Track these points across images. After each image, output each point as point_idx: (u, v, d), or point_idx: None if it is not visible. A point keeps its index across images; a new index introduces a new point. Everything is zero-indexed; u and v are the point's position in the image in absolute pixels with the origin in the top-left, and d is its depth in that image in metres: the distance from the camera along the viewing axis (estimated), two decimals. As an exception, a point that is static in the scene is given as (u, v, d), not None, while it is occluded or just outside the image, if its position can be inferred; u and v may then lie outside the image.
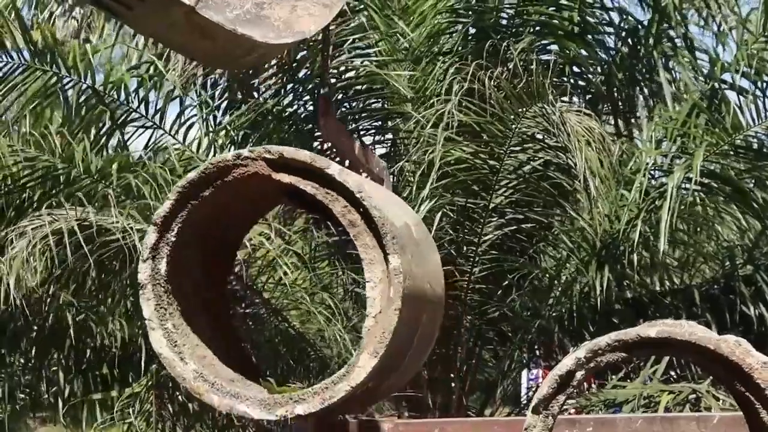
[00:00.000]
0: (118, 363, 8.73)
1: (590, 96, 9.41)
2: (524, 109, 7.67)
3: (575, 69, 9.35)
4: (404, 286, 3.00)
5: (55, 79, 8.77)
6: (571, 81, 9.18)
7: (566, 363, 3.13)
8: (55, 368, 8.96)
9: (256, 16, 3.51)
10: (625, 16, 9.32)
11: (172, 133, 9.15)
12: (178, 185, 3.21)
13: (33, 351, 8.88)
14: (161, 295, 3.23)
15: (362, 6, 8.55)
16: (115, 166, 8.11)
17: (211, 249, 3.45)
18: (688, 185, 8.01)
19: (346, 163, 4.59)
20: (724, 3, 9.19)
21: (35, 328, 7.96)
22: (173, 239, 3.22)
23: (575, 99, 9.25)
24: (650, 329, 3.14)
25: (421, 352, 3.47)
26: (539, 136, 8.14)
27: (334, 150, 6.80)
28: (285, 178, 3.10)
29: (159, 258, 3.23)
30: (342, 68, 8.99)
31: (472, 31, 9.16)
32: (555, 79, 8.04)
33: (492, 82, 7.58)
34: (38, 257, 7.00)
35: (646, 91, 9.32)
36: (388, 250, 3.01)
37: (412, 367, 3.52)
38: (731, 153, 8.33)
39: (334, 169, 3.06)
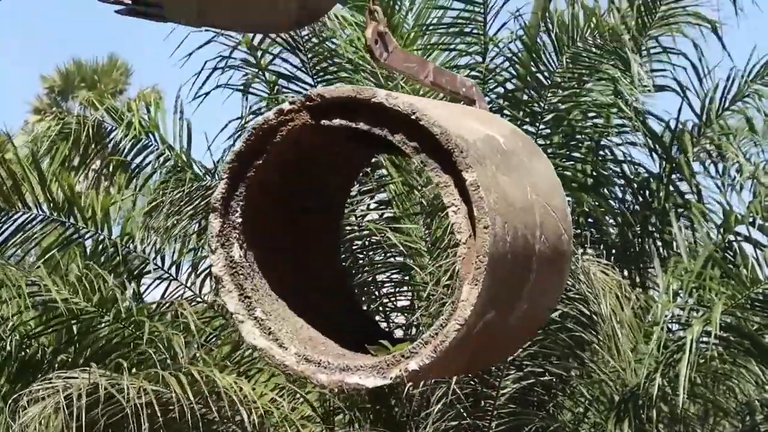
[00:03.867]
0: None
1: (604, 247, 9.41)
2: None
3: (589, 220, 9.40)
4: (488, 201, 2.67)
5: (72, 230, 8.85)
6: (586, 232, 9.21)
7: None
8: None
9: None
10: (636, 168, 9.41)
11: (188, 284, 9.13)
12: (226, 161, 2.90)
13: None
14: (242, 284, 2.91)
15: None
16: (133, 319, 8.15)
17: (298, 222, 3.08)
18: (706, 338, 7.96)
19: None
20: (735, 156, 9.22)
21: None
22: (239, 221, 2.90)
23: (590, 250, 9.26)
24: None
25: (547, 278, 2.96)
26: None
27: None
28: (335, 121, 2.82)
29: (229, 244, 2.90)
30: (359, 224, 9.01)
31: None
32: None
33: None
34: (50, 418, 7.01)
35: (659, 242, 9.33)
36: (460, 166, 2.67)
37: (542, 299, 2.99)
38: (748, 306, 8.30)
39: (380, 95, 2.76)
